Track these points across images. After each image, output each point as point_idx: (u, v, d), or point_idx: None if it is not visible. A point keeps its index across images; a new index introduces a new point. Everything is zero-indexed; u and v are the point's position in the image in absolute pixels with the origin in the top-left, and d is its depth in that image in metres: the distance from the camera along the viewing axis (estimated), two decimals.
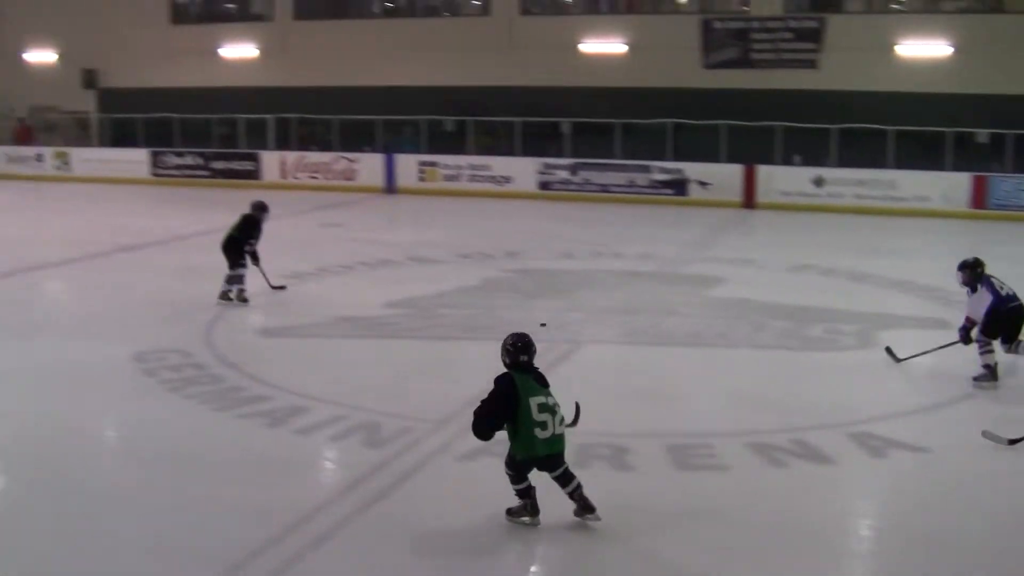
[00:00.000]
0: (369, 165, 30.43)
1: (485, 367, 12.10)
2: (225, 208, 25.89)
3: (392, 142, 31.05)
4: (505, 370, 8.00)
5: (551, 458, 7.83)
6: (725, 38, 29.07)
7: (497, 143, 30.38)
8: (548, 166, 28.52)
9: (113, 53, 35.93)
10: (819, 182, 26.28)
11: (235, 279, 15.35)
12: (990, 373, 11.31)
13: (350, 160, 30.69)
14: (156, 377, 11.78)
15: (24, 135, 36.65)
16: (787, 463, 9.22)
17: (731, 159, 27.16)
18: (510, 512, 8.04)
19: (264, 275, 15.98)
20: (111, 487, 8.84)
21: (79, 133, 36.93)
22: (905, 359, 12.28)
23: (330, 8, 34.86)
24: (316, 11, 34.58)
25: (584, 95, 29.43)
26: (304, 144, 32.40)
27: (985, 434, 9.57)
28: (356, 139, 31.33)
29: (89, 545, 7.69)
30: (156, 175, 33.19)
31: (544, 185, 28.44)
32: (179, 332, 13.62)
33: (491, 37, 30.96)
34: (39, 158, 34.99)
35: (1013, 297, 11.24)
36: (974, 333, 11.42)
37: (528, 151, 29.19)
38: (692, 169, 27.27)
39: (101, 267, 18.71)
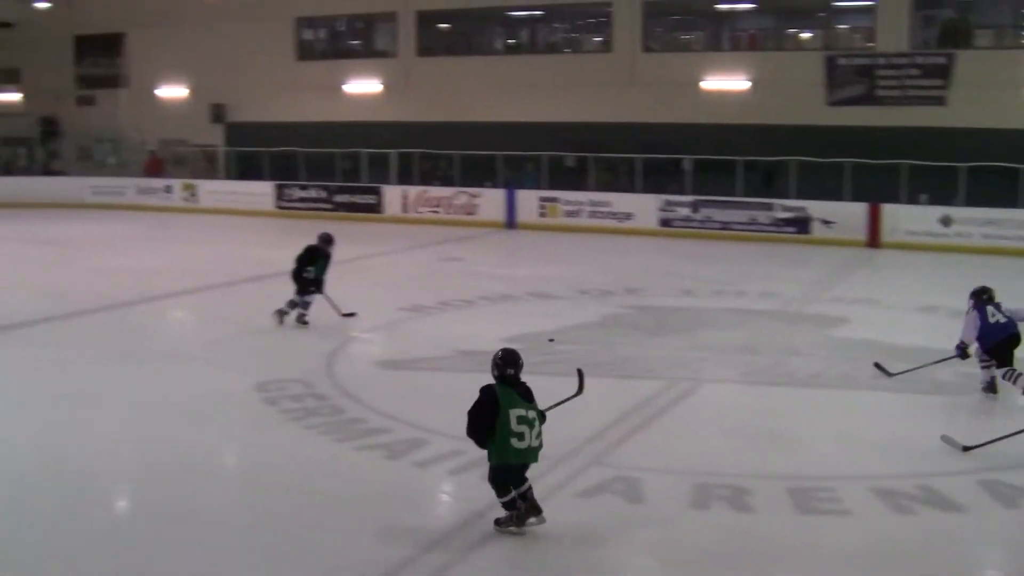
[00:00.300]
0: (490, 200, 30.58)
1: (604, 404, 12.15)
2: (347, 241, 26.24)
3: (513, 178, 31.18)
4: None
5: (523, 468, 8.33)
6: (850, 74, 28.68)
7: (618, 179, 30.33)
8: (669, 203, 28.37)
9: (241, 89, 36.74)
10: (946, 221, 25.70)
11: (298, 304, 16.27)
12: (988, 386, 12.54)
13: (471, 195, 30.87)
14: (277, 407, 11.94)
15: (155, 167, 37.59)
16: (914, 510, 8.99)
17: (855, 197, 26.69)
18: (498, 523, 8.42)
19: (331, 303, 16.50)
20: (231, 515, 8.99)
21: (207, 166, 37.76)
22: (897, 374, 13.13)
23: (453, 45, 35.27)
24: (439, 48, 35.00)
25: (706, 131, 29.25)
26: (426, 178, 32.69)
27: (944, 438, 10.26)
28: (477, 174, 31.50)
29: (207, 573, 7.79)
30: (280, 207, 33.76)
31: (665, 222, 28.29)
32: (301, 362, 13.79)
33: (613, 74, 30.97)
34: (168, 190, 35.86)
35: (1004, 327, 12.26)
36: (972, 350, 12.53)
37: (649, 188, 29.06)
38: (815, 207, 26.88)
39: (225, 297, 19.07)
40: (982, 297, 12.65)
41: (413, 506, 9.24)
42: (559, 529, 8.57)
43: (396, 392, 12.79)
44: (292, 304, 16.27)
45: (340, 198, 32.99)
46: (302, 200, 33.56)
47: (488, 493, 9.08)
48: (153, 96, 39.04)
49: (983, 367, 12.59)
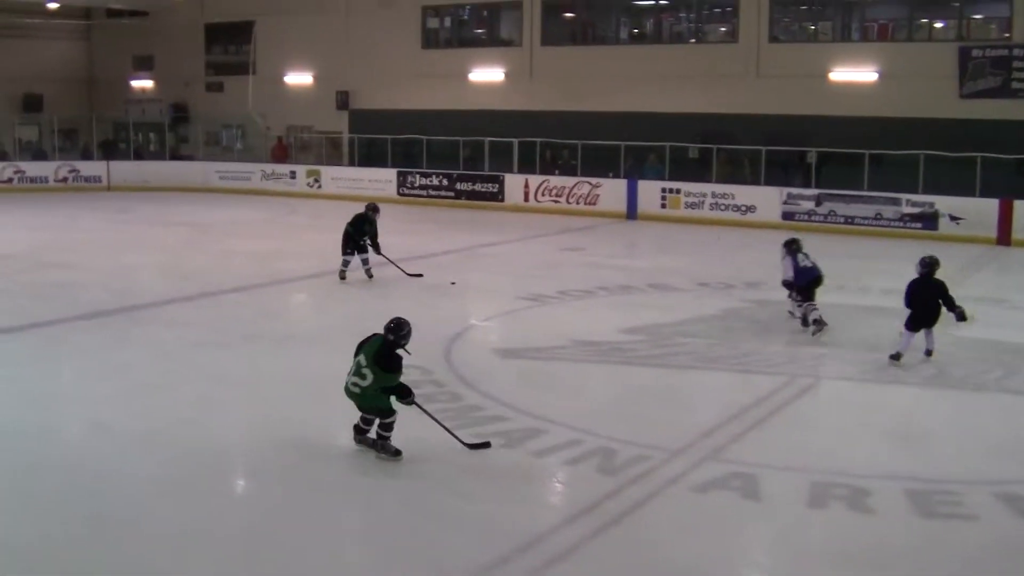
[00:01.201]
0: (612, 190, 30.50)
1: (722, 398, 12.09)
2: (468, 229, 26.54)
3: (635, 168, 31.06)
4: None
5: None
6: (984, 66, 27.98)
7: (741, 171, 30.04)
8: (792, 196, 28.00)
9: (366, 76, 37.18)
10: None
11: (345, 263, 19.08)
12: (806, 320, 15.37)
13: (593, 185, 30.83)
14: None
15: (281, 153, 38.24)
16: None
17: (986, 193, 26.05)
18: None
19: (396, 264, 19.44)
20: (347, 496, 9.15)
21: (331, 152, 38.28)
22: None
23: (577, 34, 35.23)
24: (563, 37, 34.98)
25: (832, 124, 28.79)
26: (548, 168, 32.73)
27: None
28: (599, 164, 31.44)
29: (318, 550, 7.94)
30: (402, 194, 34.09)
31: (787, 215, 27.92)
32: (419, 349, 13.86)
33: (738, 64, 30.66)
34: (293, 175, 36.46)
35: (812, 270, 15.52)
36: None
37: (772, 180, 28.72)
38: (944, 203, 26.29)
39: (348, 282, 19.31)
40: (792, 247, 15.69)
41: (527, 495, 9.29)
42: (673, 523, 8.58)
43: (514, 380, 12.86)
44: (344, 264, 19.11)
45: (462, 186, 33.20)
46: (424, 188, 33.85)
47: (605, 485, 9.14)
48: (280, 83, 39.69)
49: (798, 306, 15.69)
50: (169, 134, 41.47)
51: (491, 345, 14.75)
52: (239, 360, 13.63)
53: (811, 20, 32.24)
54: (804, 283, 15.46)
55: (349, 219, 19.31)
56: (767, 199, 28.28)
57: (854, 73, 29.29)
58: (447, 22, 37.58)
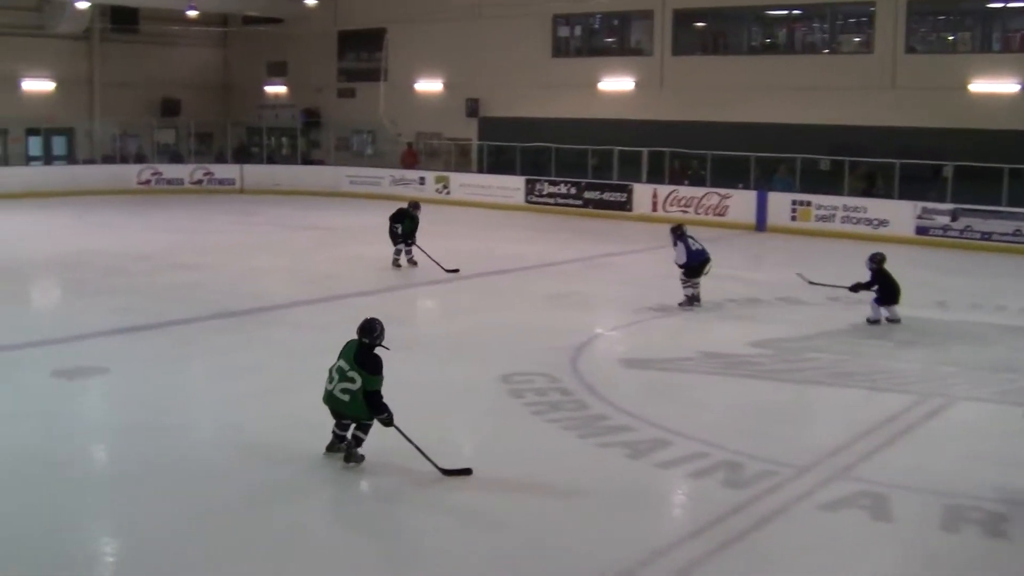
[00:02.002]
0: (741, 201, 30.16)
1: (851, 415, 11.88)
2: (595, 238, 26.51)
3: (765, 179, 30.68)
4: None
5: (332, 409, 9.90)
6: None
7: (874, 185, 29.48)
8: (927, 211, 27.37)
9: (495, 84, 37.31)
10: None
11: (396, 252, 21.34)
12: (691, 300, 17.45)
13: (722, 196, 30.54)
14: (522, 399, 12.12)
15: (411, 159, 38.60)
16: None
17: None
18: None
19: (434, 260, 20.63)
20: (468, 503, 9.15)
21: (460, 159, 38.53)
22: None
23: (708, 44, 34.90)
24: (694, 47, 34.69)
25: (970, 137, 28.05)
26: (676, 178, 32.50)
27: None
28: (729, 175, 31.10)
29: (434, 557, 7.98)
30: (530, 202, 34.14)
31: (921, 230, 27.31)
32: (547, 356, 13.92)
33: (872, 75, 30.06)
34: (421, 181, 36.75)
35: (701, 252, 17.50)
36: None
37: (906, 194, 28.09)
38: None
39: (475, 289, 19.42)
40: (679, 232, 17.69)
41: (652, 507, 9.25)
42: (799, 541, 8.46)
43: (640, 391, 12.80)
44: (397, 253, 21.39)
45: (589, 195, 33.13)
46: (552, 196, 33.86)
47: (731, 500, 9.03)
48: (410, 90, 40.04)
49: (686, 287, 17.49)
50: (301, 139, 42.16)
51: (617, 355, 14.68)
52: None
53: (949, 30, 31.50)
54: (696, 263, 17.39)
55: (392, 213, 21.69)
56: (900, 213, 27.69)
57: (994, 85, 28.52)
58: (577, 31, 37.55)
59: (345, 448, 9.87)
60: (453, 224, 29.78)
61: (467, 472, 9.58)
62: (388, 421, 9.64)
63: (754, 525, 8.57)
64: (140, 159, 39.61)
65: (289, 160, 41.72)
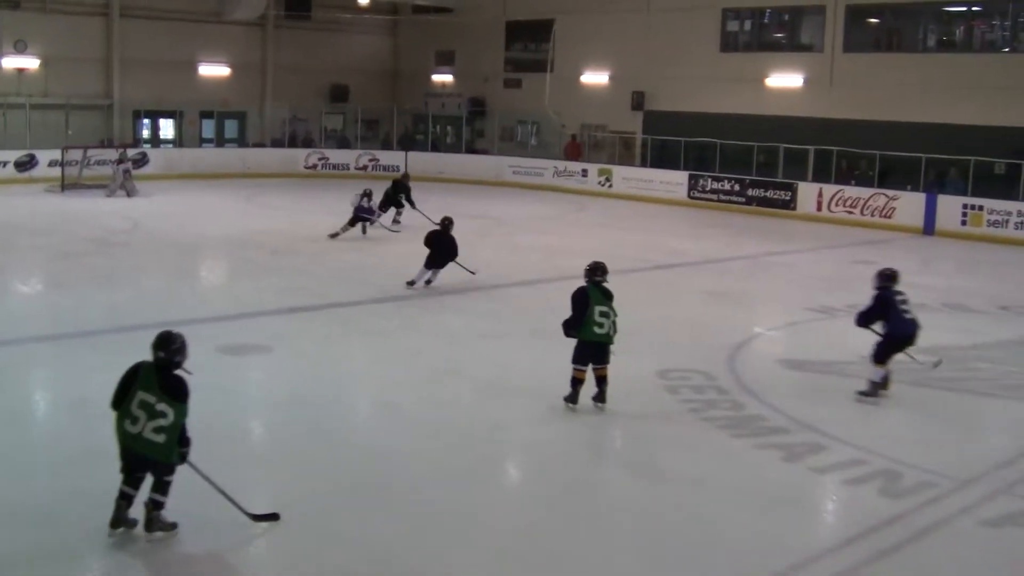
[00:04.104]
0: (909, 204, 29.41)
1: (1019, 429, 11.49)
2: (758, 236, 26.18)
3: (936, 182, 29.85)
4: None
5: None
6: None
7: None
8: None
9: (661, 77, 37.07)
10: None
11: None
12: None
13: (889, 197, 29.83)
14: (678, 395, 12.06)
15: (574, 151, 38.61)
16: None
17: None
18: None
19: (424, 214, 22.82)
20: (616, 496, 9.16)
21: (623, 152, 38.39)
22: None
23: (881, 41, 34.09)
24: (866, 44, 33.92)
25: None
26: (843, 177, 31.85)
27: None
28: (897, 176, 30.36)
29: (586, 549, 7.97)
30: (693, 197, 33.86)
31: None
32: (704, 354, 13.82)
33: None
34: (584, 173, 36.75)
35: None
36: None
37: None
38: None
39: (635, 283, 19.35)
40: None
41: (805, 512, 9.11)
42: (957, 556, 8.24)
43: (798, 393, 12.58)
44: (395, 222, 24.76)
45: (753, 192, 32.70)
46: (715, 192, 33.51)
47: (887, 509, 8.85)
48: (576, 81, 40.05)
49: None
50: (466, 128, 42.50)
51: (776, 356, 14.47)
52: (523, 352, 13.86)
53: None
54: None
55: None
56: None
57: None
58: (747, 25, 37.06)
59: (146, 514, 7.92)
60: (615, 217, 29.77)
61: (274, 517, 8.22)
62: (186, 456, 8.01)
63: (911, 537, 8.37)
64: (308, 143, 40.53)
65: (453, 148, 42.15)
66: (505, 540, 8.15)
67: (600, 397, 11.27)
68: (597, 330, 11.09)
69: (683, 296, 18.27)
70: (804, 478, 9.68)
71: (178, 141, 39.48)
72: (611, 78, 39.15)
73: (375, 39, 45.55)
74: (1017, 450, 10.60)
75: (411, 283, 17.72)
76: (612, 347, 11.26)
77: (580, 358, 11.29)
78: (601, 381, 11.30)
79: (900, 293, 12.76)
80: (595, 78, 39.57)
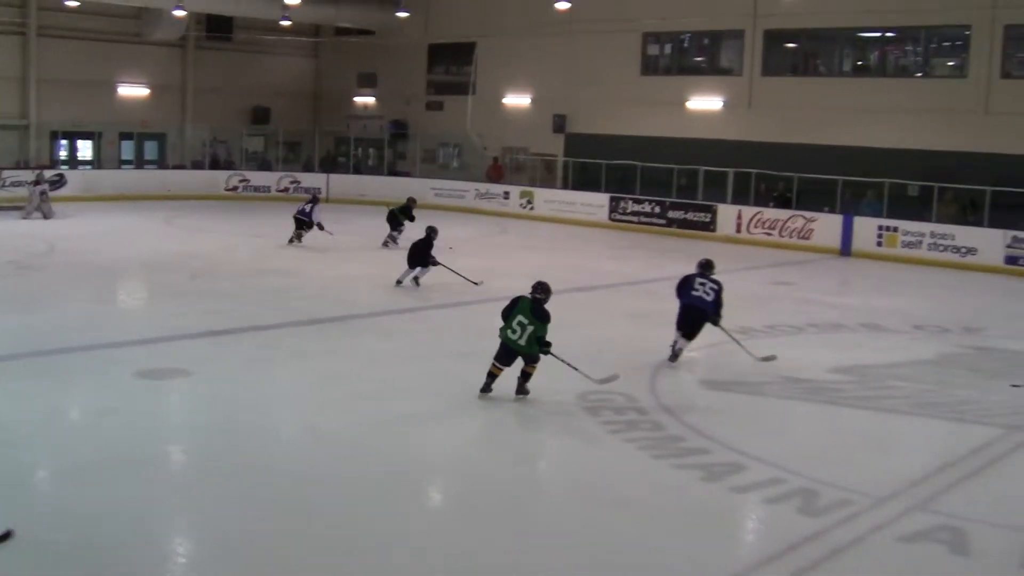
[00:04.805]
0: (826, 225, 29.84)
1: (933, 446, 11.70)
2: (679, 257, 26.33)
3: (852, 203, 30.31)
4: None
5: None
6: None
7: (964, 212, 28.99)
8: (1018, 240, 26.88)
9: (583, 100, 37.36)
10: None
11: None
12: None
13: (807, 219, 30.26)
14: (598, 417, 12.09)
15: (496, 173, 38.72)
16: None
17: None
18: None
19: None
20: (539, 519, 9.16)
21: (545, 174, 38.57)
22: None
23: (799, 65, 34.61)
24: (784, 67, 34.42)
25: None
26: (762, 199, 32.24)
27: None
28: (815, 198, 30.79)
29: (516, 565, 7.97)
30: (614, 220, 34.08)
31: (1011, 259, 26.81)
32: (625, 375, 13.85)
33: (966, 100, 29.63)
34: (506, 195, 36.87)
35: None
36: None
37: (996, 223, 27.59)
38: None
39: (556, 304, 19.31)
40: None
41: (724, 531, 9.17)
42: (875, 573, 8.34)
43: (718, 413, 12.70)
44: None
45: (673, 214, 32.99)
46: (635, 214, 33.77)
47: (805, 527, 8.94)
48: (498, 104, 40.22)
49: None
50: (388, 150, 42.50)
51: (696, 376, 14.60)
52: (446, 377, 13.81)
53: None
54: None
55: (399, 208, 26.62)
56: (990, 242, 27.22)
57: None
58: (667, 49, 37.45)
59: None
60: (537, 239, 29.86)
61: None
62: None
63: (828, 554, 8.46)
64: (229, 165, 40.29)
65: (375, 171, 42.12)
66: (431, 561, 8.12)
67: (518, 388, 12.50)
68: (509, 334, 12.29)
69: (604, 318, 18.35)
70: (724, 497, 9.75)
71: (97, 163, 39.08)
72: (533, 101, 39.36)
73: (297, 61, 45.45)
74: (931, 467, 10.76)
75: (399, 282, 20.38)
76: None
77: (496, 355, 12.53)
78: (523, 376, 12.52)
79: (703, 277, 15.19)
80: (517, 100, 39.76)
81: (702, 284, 15.09)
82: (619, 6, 35.86)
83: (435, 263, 20.54)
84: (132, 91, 40.03)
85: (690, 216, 32.59)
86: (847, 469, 10.57)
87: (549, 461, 11.08)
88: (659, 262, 25.75)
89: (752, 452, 10.86)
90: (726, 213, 31.87)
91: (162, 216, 31.42)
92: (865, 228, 29.15)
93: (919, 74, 31.91)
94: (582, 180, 36.44)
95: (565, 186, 37.12)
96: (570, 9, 34.33)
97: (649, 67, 37.01)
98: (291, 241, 25.93)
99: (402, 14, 37.83)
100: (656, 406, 12.60)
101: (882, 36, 32.83)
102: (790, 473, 10.25)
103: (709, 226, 32.03)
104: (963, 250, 27.49)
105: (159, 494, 9.22)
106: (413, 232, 22.73)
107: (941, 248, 27.80)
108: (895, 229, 28.64)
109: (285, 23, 37.88)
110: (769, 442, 11.40)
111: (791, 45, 34.79)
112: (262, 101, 43.30)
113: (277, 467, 10.01)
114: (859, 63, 33.64)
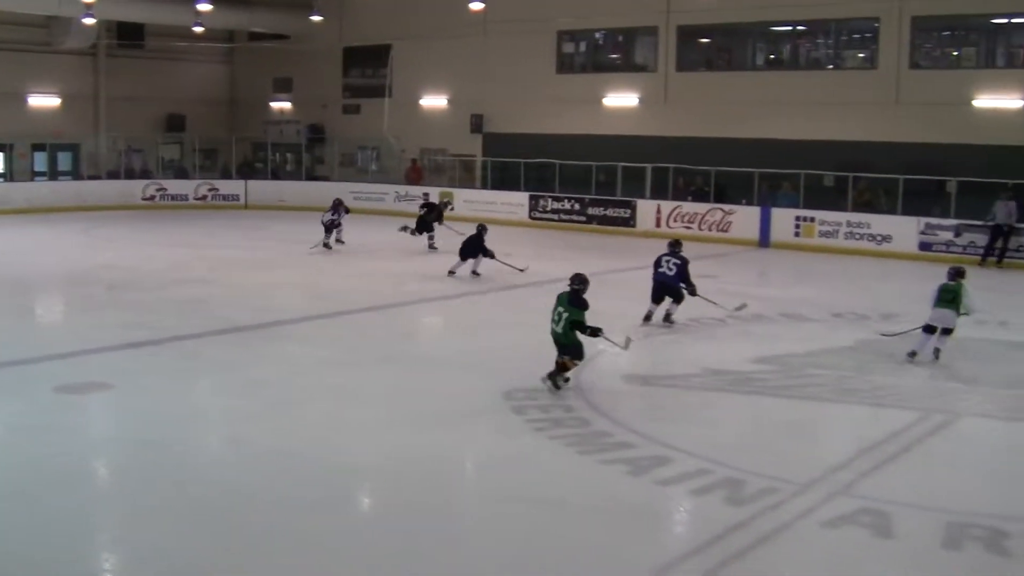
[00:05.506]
0: (744, 217, 30.20)
1: (854, 432, 11.87)
2: (599, 254, 26.51)
3: (769, 195, 30.68)
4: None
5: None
6: None
7: (877, 201, 29.47)
8: (930, 226, 27.40)
9: (500, 100, 37.41)
10: None
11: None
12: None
13: (725, 212, 30.58)
14: (524, 415, 12.11)
15: (416, 175, 38.64)
16: None
17: None
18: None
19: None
20: (466, 519, 9.19)
21: (464, 175, 38.56)
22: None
23: (712, 60, 34.98)
24: (698, 63, 34.78)
25: (974, 153, 28.06)
26: (680, 194, 32.51)
27: None
28: (732, 191, 31.16)
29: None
30: (534, 218, 34.21)
31: (925, 246, 27.33)
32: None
33: (877, 91, 30.11)
34: (425, 197, 36.74)
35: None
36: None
37: (909, 210, 28.07)
38: None
39: (477, 304, 19.43)
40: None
41: (651, 524, 9.23)
42: (800, 558, 8.45)
43: (643, 408, 12.82)
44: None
45: (593, 211, 33.18)
46: (555, 212, 33.92)
47: (732, 517, 9.04)
48: (415, 106, 40.16)
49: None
50: (306, 155, 42.30)
51: (620, 372, 14.63)
52: (372, 380, 13.78)
53: (954, 46, 31.52)
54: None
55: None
56: (904, 229, 27.72)
57: (998, 100, 28.55)
58: (582, 47, 37.65)
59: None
60: (456, 240, 29.77)
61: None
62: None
63: (755, 542, 8.56)
64: (145, 175, 39.77)
65: (293, 176, 41.95)
66: (360, 569, 8.10)
67: (550, 375, 13.01)
68: (552, 325, 13.07)
69: (527, 316, 18.29)
70: (651, 491, 9.82)
71: (9, 175, 38.37)
72: (450, 102, 39.36)
73: (211, 67, 45.04)
74: (852, 452, 10.92)
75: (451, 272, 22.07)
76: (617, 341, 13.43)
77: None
78: (559, 367, 12.99)
79: (670, 255, 17.78)
80: (434, 102, 39.75)
81: (667, 260, 17.60)
82: (533, 5, 35.97)
83: (488, 254, 22.28)
84: (43, 101, 39.40)
85: (610, 212, 32.81)
86: (771, 458, 10.71)
87: (474, 461, 11.08)
88: (580, 259, 25.70)
89: (678, 444, 10.95)
90: (645, 208, 32.12)
91: (78, 228, 30.98)
92: (782, 219, 29.54)
93: (830, 66, 32.39)
94: (501, 180, 36.53)
95: (484, 186, 37.16)
96: (484, 9, 34.48)
97: (565, 65, 37.16)
98: (325, 246, 26.90)
99: (316, 18, 37.62)
100: (582, 403, 12.65)
101: (793, 30, 33.28)
102: (716, 464, 10.35)
103: (629, 222, 32.26)
104: (879, 238, 27.97)
105: (84, 510, 9.09)
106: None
107: (857, 237, 28.27)
108: (812, 219, 29.06)
109: (198, 29, 37.44)
110: (694, 434, 11.51)
111: (704, 40, 35.15)
112: (177, 108, 42.84)
113: (202, 479, 9.91)
114: (772, 57, 34.07)
